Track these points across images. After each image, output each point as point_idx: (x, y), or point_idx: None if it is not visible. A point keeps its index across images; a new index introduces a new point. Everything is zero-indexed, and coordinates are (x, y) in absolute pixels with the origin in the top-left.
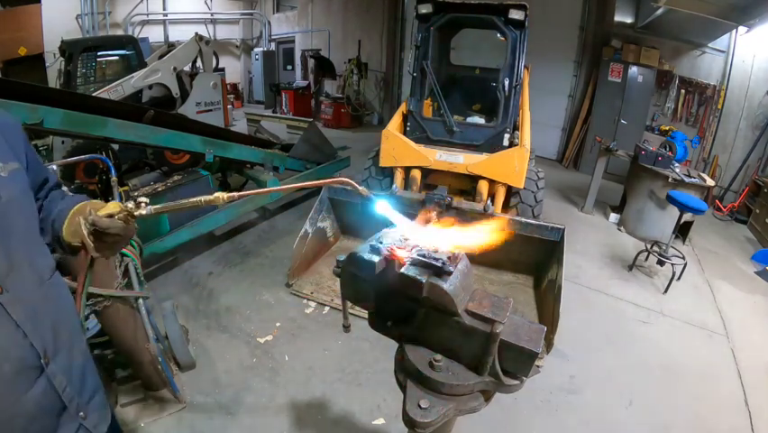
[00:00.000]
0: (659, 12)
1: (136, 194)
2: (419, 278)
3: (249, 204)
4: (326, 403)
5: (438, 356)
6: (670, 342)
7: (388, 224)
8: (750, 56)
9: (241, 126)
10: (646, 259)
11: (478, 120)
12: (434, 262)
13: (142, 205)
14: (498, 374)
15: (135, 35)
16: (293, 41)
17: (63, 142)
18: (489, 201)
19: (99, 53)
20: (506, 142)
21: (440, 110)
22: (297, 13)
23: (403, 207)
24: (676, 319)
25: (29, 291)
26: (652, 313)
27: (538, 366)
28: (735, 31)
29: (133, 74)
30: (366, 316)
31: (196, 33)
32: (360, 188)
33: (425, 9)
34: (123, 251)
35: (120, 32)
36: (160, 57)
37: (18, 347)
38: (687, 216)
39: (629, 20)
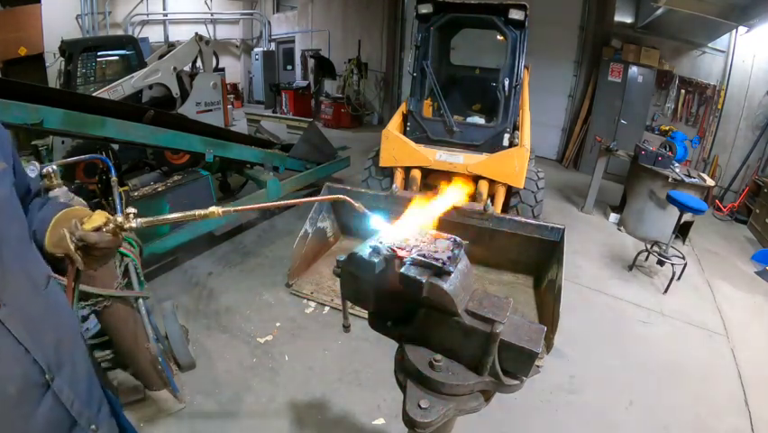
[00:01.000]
0: (659, 12)
1: (128, 211)
2: (419, 278)
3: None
4: (326, 403)
5: (438, 356)
6: (670, 342)
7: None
8: (750, 56)
9: (241, 126)
10: (646, 259)
11: (478, 120)
12: (434, 262)
13: (131, 217)
14: (498, 374)
15: (135, 35)
16: (293, 41)
17: (63, 142)
18: (488, 201)
19: (99, 53)
20: (506, 143)
21: (440, 110)
22: (297, 13)
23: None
24: (676, 319)
25: (27, 303)
26: (652, 313)
27: (538, 366)
28: (735, 31)
29: (133, 74)
30: (366, 316)
31: (196, 33)
32: (356, 204)
33: (425, 9)
34: (123, 251)
35: (120, 32)
36: (160, 57)
37: (20, 365)
38: (687, 216)
39: (629, 20)
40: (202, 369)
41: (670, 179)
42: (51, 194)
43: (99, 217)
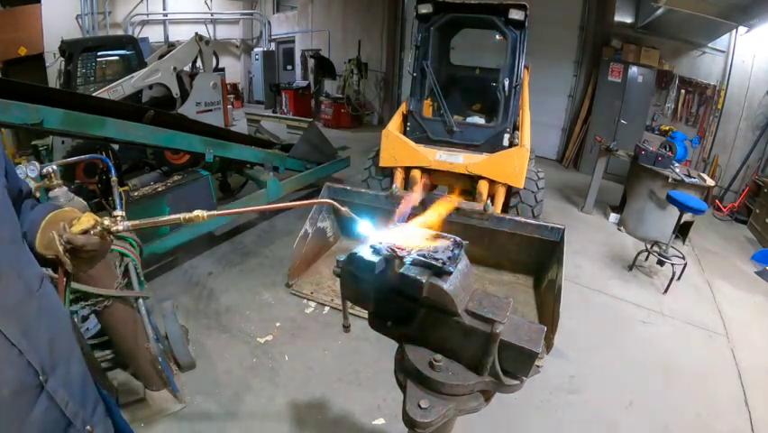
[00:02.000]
0: (659, 12)
1: (116, 214)
2: (419, 278)
3: (249, 204)
4: (326, 403)
5: (438, 356)
6: (670, 342)
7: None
8: (750, 56)
9: (241, 126)
10: (646, 259)
11: (478, 120)
12: (434, 262)
13: (118, 219)
14: (498, 374)
15: (135, 35)
16: (293, 41)
17: (63, 142)
18: (488, 201)
19: (99, 53)
20: (506, 143)
21: (440, 110)
22: (297, 13)
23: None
24: (676, 319)
25: (20, 305)
26: (652, 313)
27: (538, 366)
28: (735, 31)
29: (133, 74)
30: (366, 316)
31: (196, 33)
32: (343, 209)
33: (425, 9)
34: (123, 251)
35: (120, 32)
36: (160, 57)
37: (14, 367)
38: (687, 216)
39: (629, 20)
40: (202, 369)
41: (670, 179)
42: (51, 194)
43: (87, 220)
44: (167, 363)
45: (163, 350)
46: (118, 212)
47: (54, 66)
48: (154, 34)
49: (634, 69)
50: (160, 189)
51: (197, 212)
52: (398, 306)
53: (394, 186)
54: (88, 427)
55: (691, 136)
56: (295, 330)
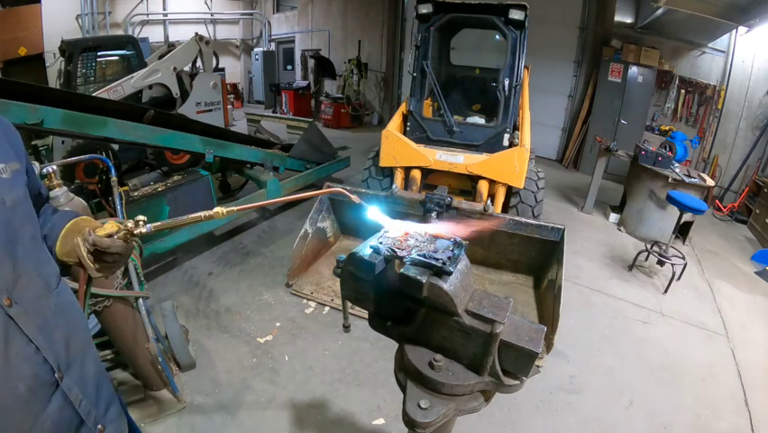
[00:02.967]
0: (659, 12)
1: (138, 218)
2: (419, 278)
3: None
4: (326, 403)
5: (438, 356)
6: (670, 342)
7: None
8: (750, 56)
9: (241, 126)
10: (646, 259)
11: (478, 120)
12: (434, 262)
13: (141, 223)
14: (498, 374)
15: (135, 35)
16: (293, 41)
17: (63, 142)
18: (489, 201)
19: (99, 53)
20: (506, 143)
21: (440, 110)
22: (297, 14)
23: (403, 208)
24: (676, 319)
25: (38, 302)
26: (652, 313)
27: (538, 366)
28: (735, 31)
29: (133, 74)
30: (366, 316)
31: (196, 33)
32: (352, 195)
33: (425, 9)
34: None
35: (120, 32)
36: (160, 57)
37: (31, 364)
38: (687, 217)
39: (629, 20)
40: (202, 369)
41: (670, 180)
42: (51, 194)
43: (111, 225)
44: (167, 363)
45: (163, 350)
46: (141, 216)
47: (54, 66)
48: (154, 34)
49: (634, 69)
50: (159, 189)
51: (217, 209)
52: (398, 306)
53: (394, 186)
54: (100, 426)
55: (691, 136)
56: (295, 330)
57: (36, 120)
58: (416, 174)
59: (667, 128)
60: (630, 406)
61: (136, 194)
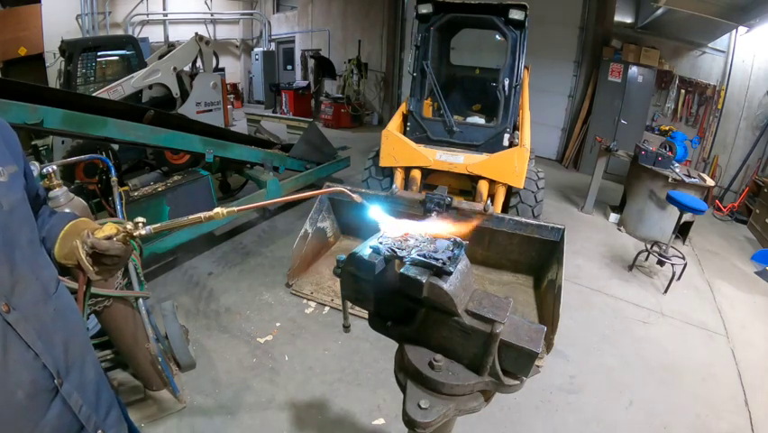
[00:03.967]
0: (659, 12)
1: (137, 220)
2: (419, 278)
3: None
4: (326, 403)
5: (438, 356)
6: (670, 342)
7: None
8: (750, 56)
9: (241, 126)
10: (646, 259)
11: (478, 120)
12: (434, 262)
13: (140, 225)
14: (498, 374)
15: (135, 35)
16: (293, 41)
17: (63, 142)
18: (488, 201)
19: (99, 53)
20: (506, 143)
21: (440, 110)
22: (297, 14)
23: (403, 208)
24: (676, 319)
25: (37, 308)
26: (652, 313)
27: (538, 366)
28: (735, 31)
29: (133, 74)
30: (366, 316)
31: (196, 33)
32: (354, 195)
33: (425, 9)
34: None
35: (120, 32)
36: (160, 57)
37: (30, 370)
38: (687, 217)
39: (629, 20)
40: (202, 369)
41: (670, 180)
42: (51, 194)
43: (110, 227)
44: (167, 363)
45: (163, 350)
46: (140, 218)
47: (54, 66)
48: (154, 34)
49: (634, 69)
50: (160, 189)
51: (217, 210)
52: (398, 306)
53: (394, 186)
54: (100, 431)
55: (691, 136)
56: (295, 330)
57: (36, 120)
58: (416, 174)
59: (667, 128)
60: (630, 406)
61: (136, 194)
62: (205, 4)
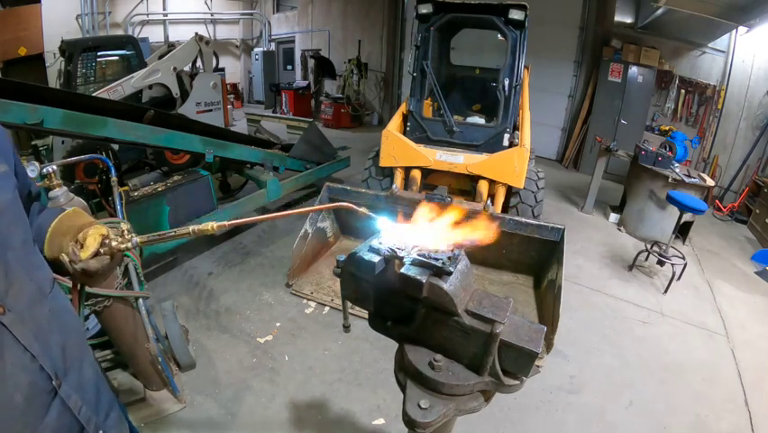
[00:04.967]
0: (659, 12)
1: (123, 228)
2: (419, 278)
3: (249, 204)
4: (326, 403)
5: (438, 356)
6: (670, 342)
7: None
8: (750, 56)
9: (241, 126)
10: (646, 259)
11: (478, 120)
12: (434, 262)
13: (125, 233)
14: (498, 374)
15: (135, 35)
16: (293, 41)
17: (63, 142)
18: (489, 201)
19: (99, 53)
20: (506, 143)
21: (440, 110)
22: (297, 14)
23: (403, 208)
24: (676, 319)
25: (32, 309)
26: (652, 313)
27: (538, 366)
28: (735, 31)
29: (133, 74)
30: (366, 316)
31: (196, 33)
32: (360, 209)
33: (425, 9)
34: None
35: (120, 32)
36: (160, 57)
37: (27, 372)
38: (687, 217)
39: (629, 20)
40: (202, 369)
41: (670, 180)
42: (51, 194)
43: (94, 241)
44: (167, 363)
45: (163, 350)
46: (124, 224)
47: (54, 66)
48: (154, 34)
49: (634, 69)
50: (159, 189)
51: (208, 223)
52: (398, 306)
53: (394, 186)
54: (100, 432)
55: (691, 136)
56: (295, 330)
57: (36, 120)
58: (416, 174)
59: (667, 128)
60: (630, 406)
61: (136, 194)
62: (205, 4)
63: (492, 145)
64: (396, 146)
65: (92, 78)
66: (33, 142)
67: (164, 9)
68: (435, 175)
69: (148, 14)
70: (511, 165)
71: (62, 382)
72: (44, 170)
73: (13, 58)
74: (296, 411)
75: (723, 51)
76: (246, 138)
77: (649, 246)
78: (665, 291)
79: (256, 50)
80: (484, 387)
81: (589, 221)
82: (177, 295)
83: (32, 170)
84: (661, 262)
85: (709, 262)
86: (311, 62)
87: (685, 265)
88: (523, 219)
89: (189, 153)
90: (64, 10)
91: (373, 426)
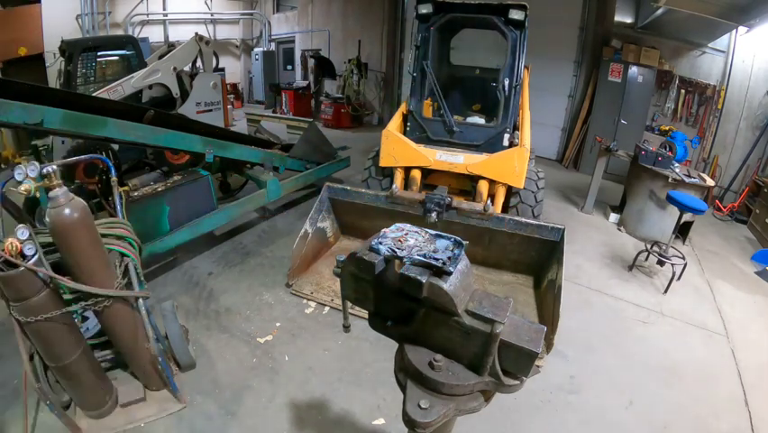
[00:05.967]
0: (659, 12)
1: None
2: (419, 278)
3: (249, 204)
4: (326, 403)
5: (438, 356)
6: (670, 342)
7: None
8: (750, 56)
9: (241, 126)
10: (646, 259)
11: (478, 120)
12: (434, 262)
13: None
14: (498, 374)
15: (135, 35)
16: (293, 41)
17: (63, 142)
18: (488, 201)
19: (99, 53)
20: (506, 143)
21: (440, 110)
22: (297, 13)
23: (403, 208)
24: (676, 319)
25: None
26: (652, 313)
27: (538, 366)
28: (735, 31)
29: (133, 74)
30: (366, 316)
31: (196, 33)
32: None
33: (425, 9)
34: (123, 251)
35: (120, 32)
36: (160, 57)
37: None
38: (687, 217)
39: (629, 20)
40: (202, 369)
41: (670, 180)
42: (51, 194)
43: None
44: (167, 363)
45: (163, 350)
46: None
47: (54, 66)
48: (154, 34)
49: (634, 69)
50: (159, 189)
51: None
52: (398, 306)
53: (394, 186)
54: None
55: (691, 136)
56: (295, 330)
57: (36, 120)
58: (416, 174)
59: (667, 128)
60: (630, 406)
61: (136, 194)
62: (205, 4)
63: (492, 145)
64: (396, 146)
65: (92, 78)
66: (33, 142)
67: (164, 9)
68: (435, 175)
69: (148, 14)
70: (511, 165)
71: None
72: (44, 170)
73: (13, 58)
74: (296, 411)
75: (723, 51)
76: (246, 138)
77: (649, 246)
78: (665, 291)
79: (256, 50)
80: (484, 387)
81: (589, 221)
82: (177, 295)
83: (32, 170)
84: (661, 262)
85: (709, 262)
86: (311, 62)
87: (685, 265)
88: (523, 219)
89: (189, 153)
90: (64, 10)
91: (373, 426)
